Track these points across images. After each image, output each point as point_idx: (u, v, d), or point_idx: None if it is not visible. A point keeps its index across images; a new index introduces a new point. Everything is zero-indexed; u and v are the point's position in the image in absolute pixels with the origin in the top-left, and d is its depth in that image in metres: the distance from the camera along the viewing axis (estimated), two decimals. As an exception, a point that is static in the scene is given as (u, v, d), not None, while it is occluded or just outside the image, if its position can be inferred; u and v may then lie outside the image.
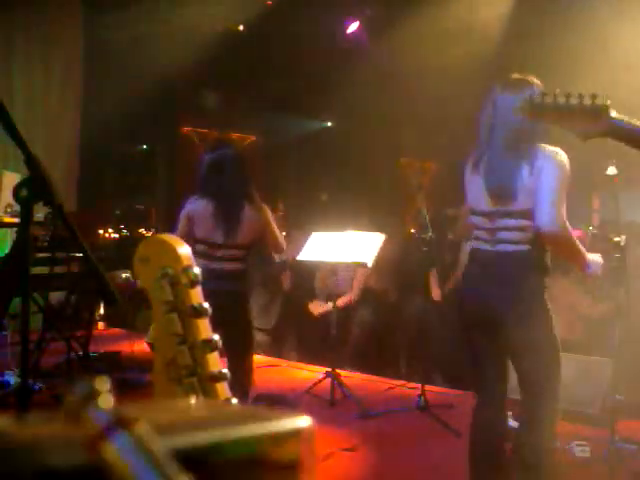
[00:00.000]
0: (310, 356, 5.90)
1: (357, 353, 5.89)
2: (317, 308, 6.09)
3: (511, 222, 2.53)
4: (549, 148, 2.46)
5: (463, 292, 2.79)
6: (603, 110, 1.57)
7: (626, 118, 1.61)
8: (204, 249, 3.40)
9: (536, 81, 2.55)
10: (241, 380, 3.30)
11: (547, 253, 2.57)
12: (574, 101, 1.57)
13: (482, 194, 2.59)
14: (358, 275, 5.91)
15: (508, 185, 2.49)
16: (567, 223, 2.46)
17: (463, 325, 2.77)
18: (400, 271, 6.04)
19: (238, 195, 3.44)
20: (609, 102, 1.59)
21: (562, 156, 2.44)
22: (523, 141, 2.47)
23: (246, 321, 3.54)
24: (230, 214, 3.40)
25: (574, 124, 1.58)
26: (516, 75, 2.59)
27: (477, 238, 2.67)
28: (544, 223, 2.44)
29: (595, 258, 2.63)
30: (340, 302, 5.73)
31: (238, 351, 3.34)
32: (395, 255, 5.91)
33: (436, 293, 5.66)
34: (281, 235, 3.66)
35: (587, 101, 1.57)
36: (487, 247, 2.61)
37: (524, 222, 2.51)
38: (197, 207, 3.45)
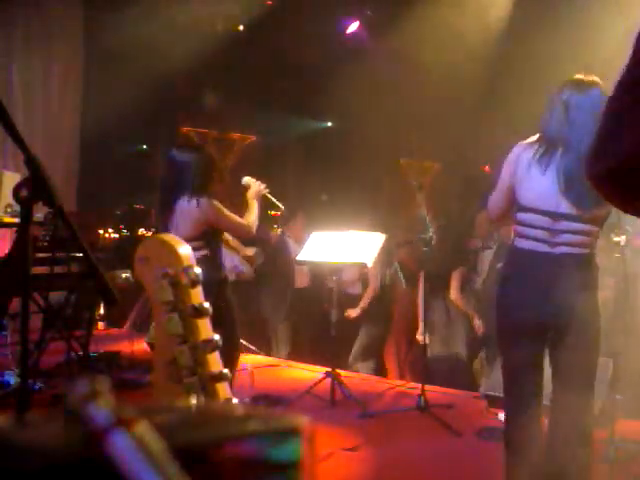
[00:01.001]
0: (317, 356, 5.90)
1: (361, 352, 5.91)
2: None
3: (579, 226, 2.50)
4: None
5: (511, 296, 2.62)
6: None
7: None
8: None
9: (600, 81, 2.55)
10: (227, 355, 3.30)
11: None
12: None
13: (552, 195, 2.53)
14: (371, 282, 5.89)
15: (592, 194, 2.48)
16: None
17: (506, 333, 2.64)
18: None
19: (168, 192, 3.62)
20: None
21: None
22: None
23: (219, 307, 3.53)
24: (162, 210, 3.64)
25: None
26: (580, 75, 2.58)
27: (530, 238, 2.57)
28: None
29: None
30: (352, 314, 5.78)
31: (222, 338, 3.36)
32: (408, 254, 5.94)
33: (454, 294, 5.67)
34: (242, 221, 3.67)
35: None
36: (545, 248, 2.54)
37: (592, 227, 2.51)
38: None
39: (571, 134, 2.51)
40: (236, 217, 3.64)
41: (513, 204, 2.67)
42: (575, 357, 2.51)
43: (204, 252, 3.54)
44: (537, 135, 2.64)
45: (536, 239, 2.56)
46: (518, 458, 2.57)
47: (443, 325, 5.70)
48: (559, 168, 2.51)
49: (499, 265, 5.82)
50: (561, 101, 2.56)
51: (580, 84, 2.55)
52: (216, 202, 3.58)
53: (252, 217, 3.74)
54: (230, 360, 3.55)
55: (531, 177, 2.57)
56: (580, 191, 2.45)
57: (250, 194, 3.84)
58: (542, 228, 2.54)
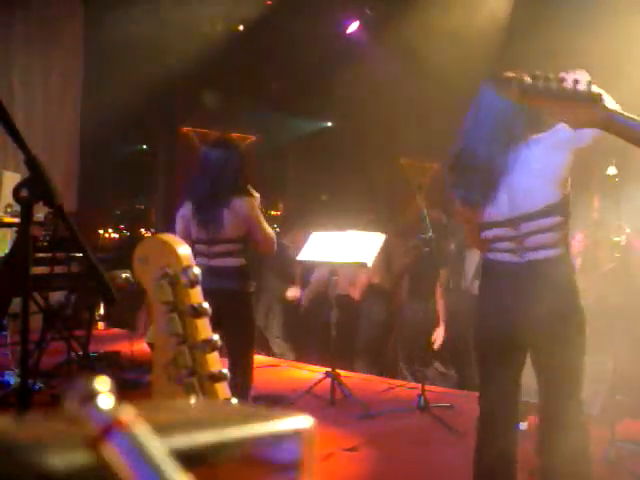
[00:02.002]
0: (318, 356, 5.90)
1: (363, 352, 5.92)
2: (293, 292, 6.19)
3: (540, 222, 2.34)
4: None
5: (483, 309, 2.51)
6: (598, 98, 1.46)
7: (620, 110, 1.55)
8: (199, 248, 3.45)
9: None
10: (240, 379, 3.30)
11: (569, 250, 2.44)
12: (568, 86, 1.44)
13: (499, 201, 2.41)
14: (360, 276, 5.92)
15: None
16: None
17: (479, 346, 2.57)
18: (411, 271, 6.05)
19: (214, 192, 3.43)
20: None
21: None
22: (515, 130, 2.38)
23: (244, 319, 3.51)
24: (204, 211, 3.44)
25: (565, 111, 1.48)
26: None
27: (497, 250, 2.44)
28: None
29: None
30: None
31: (237, 350, 3.34)
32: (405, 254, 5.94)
33: (439, 295, 5.66)
34: (271, 234, 3.53)
35: (582, 87, 1.44)
36: (514, 258, 2.39)
37: (554, 219, 2.34)
38: (184, 210, 3.56)
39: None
40: (268, 227, 3.50)
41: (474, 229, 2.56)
42: (556, 360, 2.38)
43: (242, 261, 3.46)
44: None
45: (501, 250, 2.43)
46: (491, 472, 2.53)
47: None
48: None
49: None
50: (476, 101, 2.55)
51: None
52: (257, 204, 3.47)
53: (270, 230, 3.57)
54: (249, 365, 3.53)
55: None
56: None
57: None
58: (505, 239, 2.41)
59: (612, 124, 1.51)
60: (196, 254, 3.29)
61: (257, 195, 3.53)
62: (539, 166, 2.35)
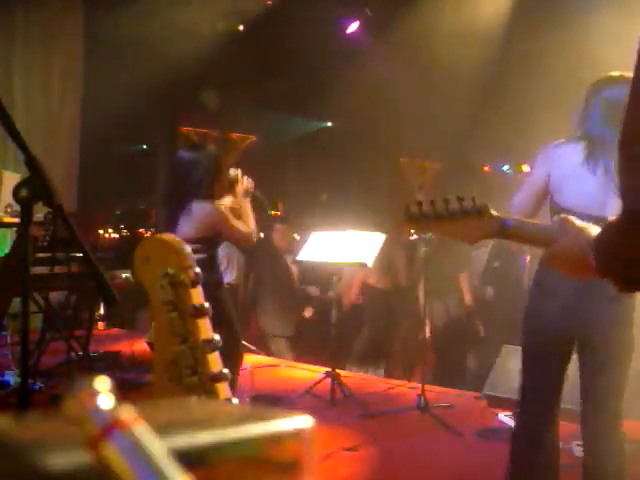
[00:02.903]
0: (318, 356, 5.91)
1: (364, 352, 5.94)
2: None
3: None
4: None
5: (543, 311, 2.51)
6: (486, 210, 1.49)
7: (509, 216, 1.56)
8: None
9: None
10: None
11: None
12: (454, 206, 1.48)
13: (599, 197, 2.37)
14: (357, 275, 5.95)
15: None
16: None
17: (534, 347, 2.56)
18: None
19: (172, 194, 3.59)
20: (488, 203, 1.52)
21: None
22: None
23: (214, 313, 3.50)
24: (163, 210, 3.66)
25: (458, 230, 1.50)
26: (615, 73, 2.49)
27: None
28: None
29: None
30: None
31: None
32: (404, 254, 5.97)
33: (468, 297, 5.70)
34: (246, 229, 3.52)
35: (468, 203, 1.48)
36: None
37: None
38: None
39: (616, 133, 2.45)
40: (240, 225, 3.54)
41: (540, 207, 2.55)
42: (603, 369, 2.45)
43: (202, 255, 3.52)
44: (576, 135, 2.52)
45: None
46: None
47: (443, 325, 5.71)
48: (608, 168, 2.36)
49: (496, 264, 5.84)
50: (601, 99, 2.47)
51: (618, 81, 2.44)
52: (223, 208, 3.50)
53: (252, 223, 3.61)
54: (231, 362, 3.53)
55: (577, 178, 2.43)
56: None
57: (239, 192, 3.65)
58: None
59: (505, 231, 1.52)
60: None
61: (227, 201, 3.57)
62: None
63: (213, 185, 3.54)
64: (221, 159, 3.72)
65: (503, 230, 1.51)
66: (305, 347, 6.40)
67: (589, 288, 2.38)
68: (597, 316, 2.41)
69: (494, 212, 1.52)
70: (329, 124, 11.79)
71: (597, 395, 2.50)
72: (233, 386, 3.48)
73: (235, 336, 3.61)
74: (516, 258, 5.83)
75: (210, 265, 3.52)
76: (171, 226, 3.50)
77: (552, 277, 2.47)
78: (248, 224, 3.58)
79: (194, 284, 0.89)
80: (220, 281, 3.64)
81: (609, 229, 1.17)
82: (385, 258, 5.64)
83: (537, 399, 2.58)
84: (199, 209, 3.47)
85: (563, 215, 1.45)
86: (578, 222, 1.39)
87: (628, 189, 1.10)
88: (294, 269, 6.44)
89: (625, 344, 2.46)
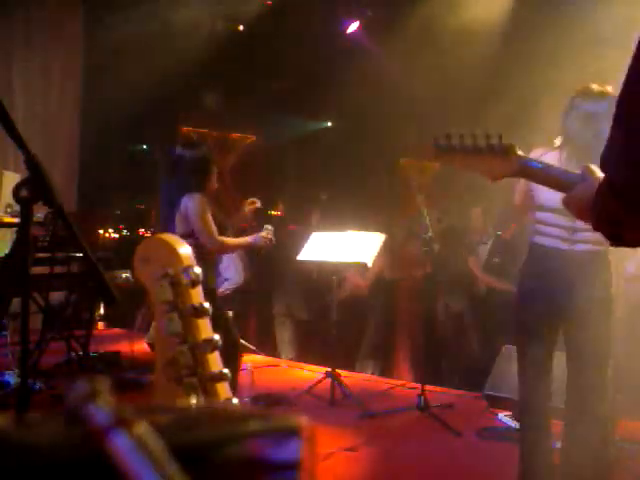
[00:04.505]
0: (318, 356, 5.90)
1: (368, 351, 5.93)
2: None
3: None
4: None
5: (530, 290, 2.78)
6: (511, 150, 1.54)
7: (534, 157, 1.61)
8: None
9: (612, 92, 2.62)
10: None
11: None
12: (481, 142, 1.53)
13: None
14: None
15: None
16: None
17: (523, 325, 2.80)
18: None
19: (166, 190, 3.68)
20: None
21: None
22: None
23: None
24: (161, 208, 3.72)
25: (482, 165, 1.55)
26: (595, 86, 2.67)
27: (548, 235, 2.71)
28: None
29: None
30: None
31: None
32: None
33: (482, 277, 5.69)
34: (214, 234, 3.51)
35: (494, 141, 1.53)
36: (564, 246, 2.67)
37: None
38: None
39: (593, 140, 2.58)
40: (211, 225, 3.50)
41: (529, 204, 2.81)
42: (586, 335, 2.65)
43: (197, 250, 3.52)
44: (558, 142, 2.75)
45: (556, 237, 2.69)
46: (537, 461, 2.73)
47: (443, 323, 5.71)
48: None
49: (495, 260, 5.85)
50: (581, 111, 2.65)
51: (594, 95, 2.64)
52: (203, 200, 3.52)
53: (232, 241, 3.68)
54: (230, 361, 3.53)
55: None
56: None
57: (245, 217, 3.94)
58: (559, 226, 2.66)
59: (528, 171, 1.57)
60: None
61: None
62: None
63: (203, 183, 3.59)
64: (212, 157, 3.77)
65: (526, 170, 1.57)
66: (305, 347, 6.40)
67: (578, 270, 2.64)
68: (583, 296, 2.64)
69: (520, 152, 1.57)
70: (329, 124, 11.78)
71: (579, 360, 2.72)
72: (233, 386, 3.48)
73: (231, 335, 3.62)
74: (516, 254, 5.83)
75: (201, 260, 3.54)
76: (171, 225, 3.51)
77: (543, 257, 2.75)
78: (227, 240, 3.62)
79: (194, 284, 0.89)
80: (212, 283, 3.66)
81: (599, 189, 1.18)
82: (398, 251, 5.68)
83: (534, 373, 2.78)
84: (184, 202, 3.51)
85: (586, 164, 1.50)
86: (598, 172, 1.41)
87: (611, 163, 1.13)
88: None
89: (605, 322, 2.68)
